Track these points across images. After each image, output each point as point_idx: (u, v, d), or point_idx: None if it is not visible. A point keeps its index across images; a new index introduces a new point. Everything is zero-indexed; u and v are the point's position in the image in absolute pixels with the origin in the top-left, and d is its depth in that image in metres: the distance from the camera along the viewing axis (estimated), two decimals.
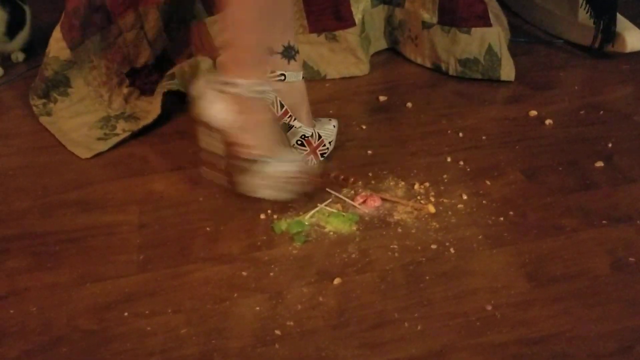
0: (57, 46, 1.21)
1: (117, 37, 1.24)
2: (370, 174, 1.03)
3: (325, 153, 1.05)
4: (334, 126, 1.07)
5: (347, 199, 0.96)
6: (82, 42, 1.23)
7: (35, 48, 1.50)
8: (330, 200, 0.96)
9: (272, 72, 0.92)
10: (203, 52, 1.35)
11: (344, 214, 0.94)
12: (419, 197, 0.97)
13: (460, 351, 0.73)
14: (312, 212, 0.94)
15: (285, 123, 0.97)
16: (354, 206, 0.95)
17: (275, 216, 0.95)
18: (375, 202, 0.94)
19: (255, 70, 0.81)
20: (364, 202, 0.94)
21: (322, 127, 1.04)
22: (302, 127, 0.99)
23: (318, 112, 1.22)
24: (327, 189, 0.96)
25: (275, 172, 0.90)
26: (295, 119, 0.97)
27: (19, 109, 1.27)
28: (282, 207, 0.96)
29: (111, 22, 1.23)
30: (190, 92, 0.84)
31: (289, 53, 0.92)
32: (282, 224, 0.93)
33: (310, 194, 0.98)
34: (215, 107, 0.82)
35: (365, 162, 1.07)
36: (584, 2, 1.34)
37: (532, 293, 0.80)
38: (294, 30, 0.92)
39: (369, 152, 1.10)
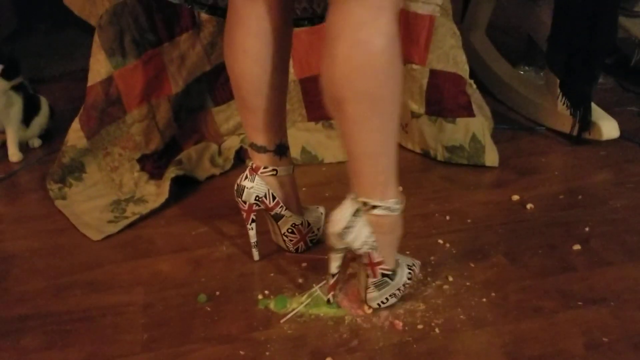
0: (75, 136, 1.31)
1: (130, 127, 1.35)
2: None
3: (314, 239, 1.12)
4: (322, 213, 1.15)
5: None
6: (98, 131, 1.33)
7: (52, 134, 1.60)
8: (323, 283, 1.03)
9: (265, 167, 1.01)
10: (209, 138, 1.46)
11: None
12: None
13: None
14: (307, 293, 1.01)
15: (277, 213, 1.05)
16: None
17: (272, 297, 1.01)
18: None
19: (392, 188, 0.88)
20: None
21: (311, 214, 1.12)
22: (292, 216, 1.07)
23: (316, 194, 1.31)
24: (324, 276, 1.03)
25: (402, 280, 0.96)
26: (286, 209, 1.06)
27: (36, 192, 1.36)
28: (278, 288, 1.03)
29: (125, 113, 1.34)
30: (332, 227, 0.87)
31: (280, 150, 1.02)
32: (268, 301, 0.99)
33: (305, 276, 1.04)
34: (364, 232, 0.87)
35: None
36: (561, 95, 1.45)
37: None
38: (286, 129, 1.02)
39: None
